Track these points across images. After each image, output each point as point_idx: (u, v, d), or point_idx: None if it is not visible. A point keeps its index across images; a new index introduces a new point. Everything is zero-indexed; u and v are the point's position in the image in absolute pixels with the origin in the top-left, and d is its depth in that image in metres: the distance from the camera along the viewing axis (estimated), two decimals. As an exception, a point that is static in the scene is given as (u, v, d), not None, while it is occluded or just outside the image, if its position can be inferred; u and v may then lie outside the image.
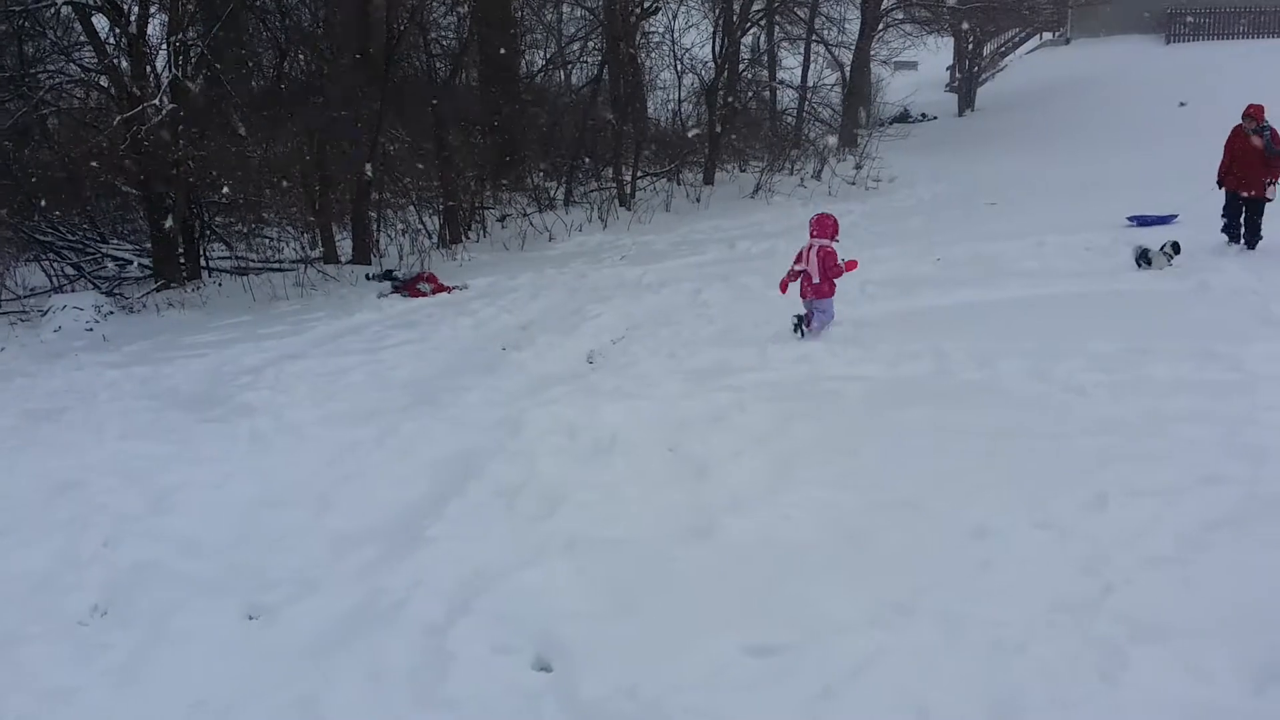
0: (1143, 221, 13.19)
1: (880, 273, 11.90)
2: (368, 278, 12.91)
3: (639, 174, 20.44)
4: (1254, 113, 11.67)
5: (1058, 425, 6.25)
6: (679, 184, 20.90)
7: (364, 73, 15.26)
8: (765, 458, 6.11)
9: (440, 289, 12.88)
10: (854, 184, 21.27)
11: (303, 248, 15.21)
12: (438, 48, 18.49)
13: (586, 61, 22.74)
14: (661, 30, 22.87)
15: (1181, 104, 25.61)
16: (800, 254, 9.22)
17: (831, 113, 26.25)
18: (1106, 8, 36.45)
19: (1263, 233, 11.50)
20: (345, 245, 15.59)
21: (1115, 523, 4.85)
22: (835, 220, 9.32)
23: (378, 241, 15.89)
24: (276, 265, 15.01)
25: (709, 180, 21.41)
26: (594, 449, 6.46)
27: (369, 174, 14.94)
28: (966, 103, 35.32)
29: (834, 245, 9.11)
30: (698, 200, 19.82)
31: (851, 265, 9.18)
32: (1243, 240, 11.59)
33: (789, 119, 25.96)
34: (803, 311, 9.17)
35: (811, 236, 9.21)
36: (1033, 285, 10.43)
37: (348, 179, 15.01)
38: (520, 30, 21.41)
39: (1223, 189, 11.78)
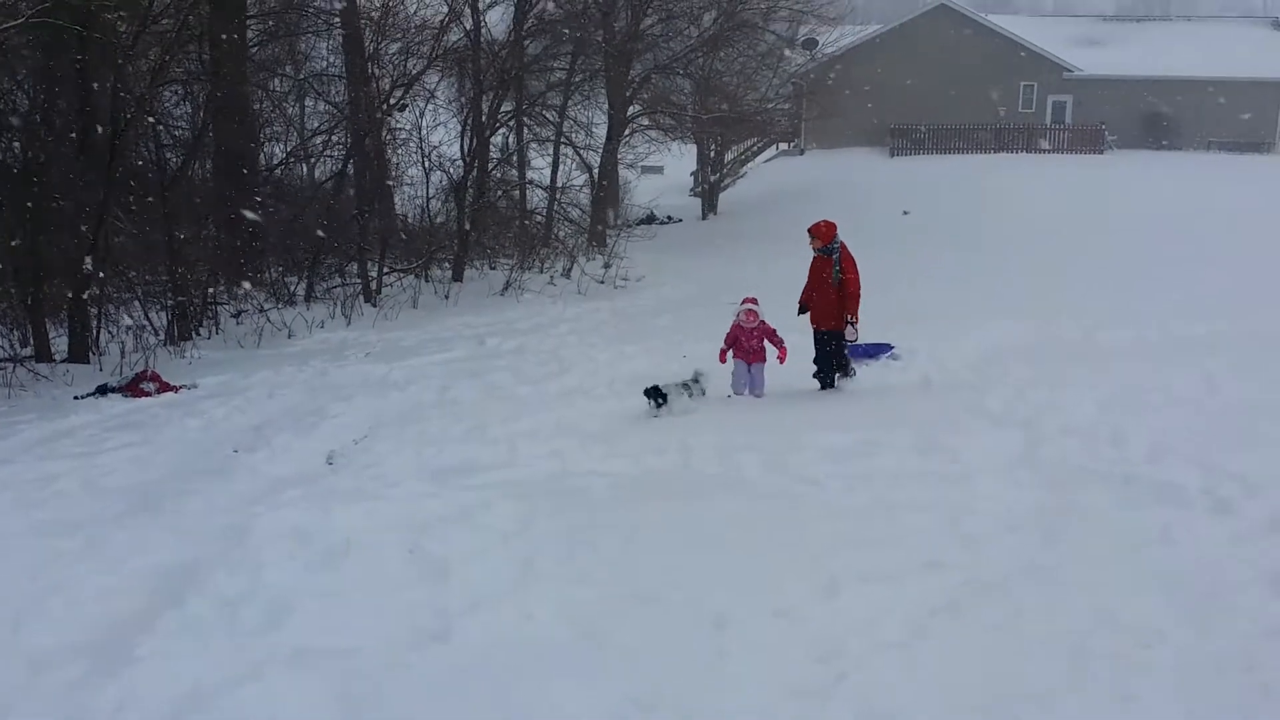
0: (853, 351, 13.62)
1: (628, 370, 12.08)
2: (76, 399, 11.86)
3: (386, 270, 20.11)
4: (815, 231, 9.91)
5: (793, 515, 6.41)
6: (427, 280, 20.70)
7: (86, 161, 14.37)
8: (508, 556, 5.95)
9: (166, 388, 12.09)
10: (603, 282, 21.72)
11: (11, 345, 13.99)
12: (169, 138, 17.67)
13: (331, 155, 22.34)
14: (409, 127, 22.83)
15: (905, 212, 27.53)
16: (735, 329, 10.31)
17: (580, 213, 26.84)
18: (836, 121, 39.25)
19: (850, 366, 10.38)
20: (61, 343, 14.48)
21: (847, 609, 4.96)
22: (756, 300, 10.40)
23: (97, 338, 14.81)
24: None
25: (458, 277, 21.33)
26: (327, 554, 6.09)
27: (88, 267, 13.97)
28: (710, 206, 36.99)
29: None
30: (447, 297, 19.66)
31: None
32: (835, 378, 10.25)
33: (539, 218, 26.32)
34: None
35: (748, 320, 10.21)
36: (770, 380, 10.80)
37: (65, 272, 13.97)
38: (260, 122, 20.79)
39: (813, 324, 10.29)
